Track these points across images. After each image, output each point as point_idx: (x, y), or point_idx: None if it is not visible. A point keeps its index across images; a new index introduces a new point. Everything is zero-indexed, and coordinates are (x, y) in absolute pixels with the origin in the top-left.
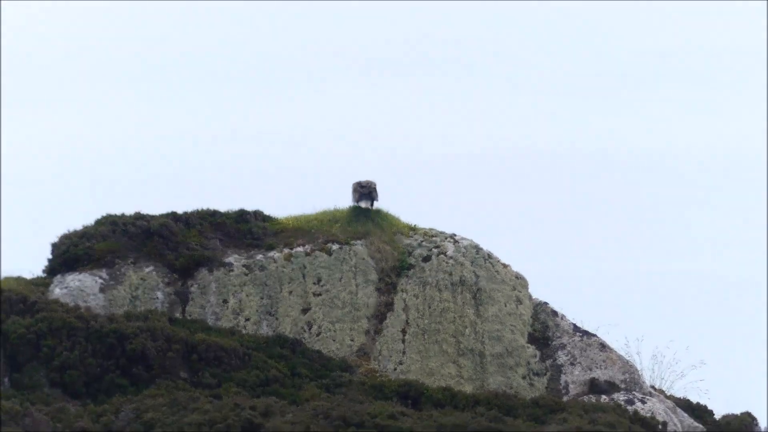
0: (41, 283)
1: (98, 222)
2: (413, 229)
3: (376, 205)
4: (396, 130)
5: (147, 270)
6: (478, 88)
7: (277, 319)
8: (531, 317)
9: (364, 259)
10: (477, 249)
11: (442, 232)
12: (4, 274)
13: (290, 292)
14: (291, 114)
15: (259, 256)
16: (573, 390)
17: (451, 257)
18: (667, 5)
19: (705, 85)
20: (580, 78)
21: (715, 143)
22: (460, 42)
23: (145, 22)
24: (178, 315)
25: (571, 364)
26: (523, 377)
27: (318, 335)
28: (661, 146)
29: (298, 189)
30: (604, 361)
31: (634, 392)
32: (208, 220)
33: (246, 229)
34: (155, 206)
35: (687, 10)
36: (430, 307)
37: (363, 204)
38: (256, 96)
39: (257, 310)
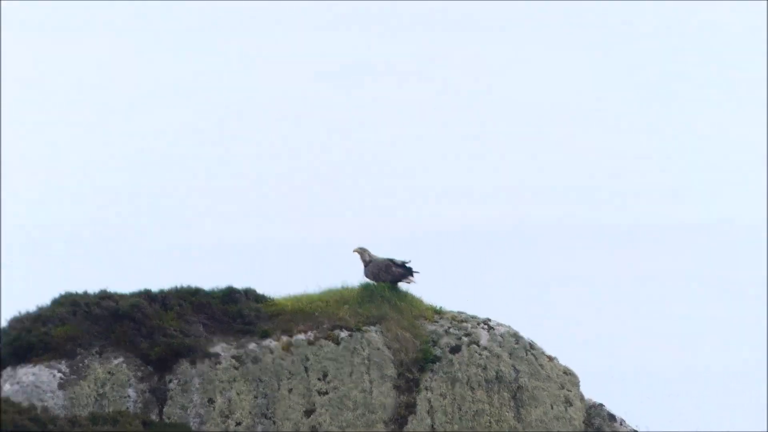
0: None
1: (56, 302)
2: (438, 312)
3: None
4: (414, 197)
5: (116, 362)
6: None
7: (274, 422)
8: (583, 422)
9: (379, 349)
10: (516, 337)
11: (473, 317)
12: None
13: (290, 390)
14: (286, 175)
15: (252, 345)
16: None
17: (485, 348)
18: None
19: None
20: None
21: None
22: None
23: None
24: (154, 417)
25: None
26: None
27: None
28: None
29: (297, 264)
30: None
31: None
32: (189, 300)
33: (235, 312)
34: (125, 283)
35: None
36: (460, 410)
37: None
38: (251, 148)
39: (250, 412)
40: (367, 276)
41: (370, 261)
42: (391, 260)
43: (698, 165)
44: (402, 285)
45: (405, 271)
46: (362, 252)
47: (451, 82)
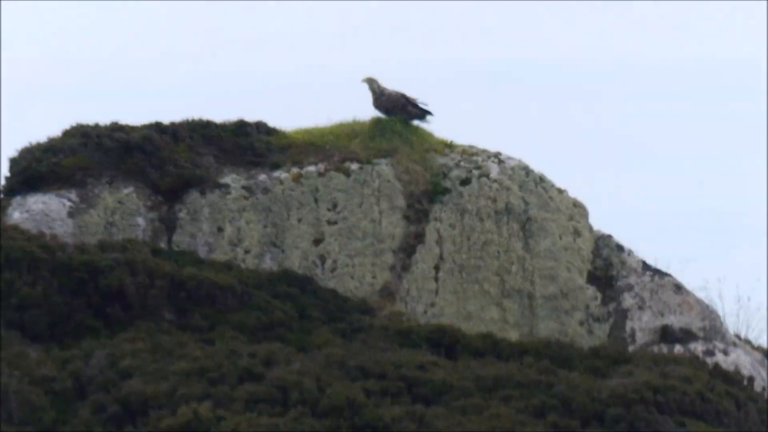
0: None
1: (67, 133)
2: (449, 146)
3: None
4: (430, 29)
5: (126, 191)
6: None
7: (283, 251)
8: (591, 252)
9: (389, 181)
10: (527, 170)
11: (484, 150)
12: None
13: (299, 220)
14: (301, 9)
15: (262, 176)
16: (641, 339)
17: (495, 180)
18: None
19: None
20: None
21: None
22: None
23: None
24: (162, 245)
25: (639, 308)
26: (581, 323)
27: (333, 271)
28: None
29: (309, 96)
30: (678, 305)
31: (714, 342)
32: (200, 133)
33: (246, 144)
34: (136, 115)
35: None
36: (469, 240)
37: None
38: None
39: (259, 241)
40: (377, 108)
41: (382, 94)
42: (406, 97)
43: None
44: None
45: (420, 113)
46: (371, 82)
47: None
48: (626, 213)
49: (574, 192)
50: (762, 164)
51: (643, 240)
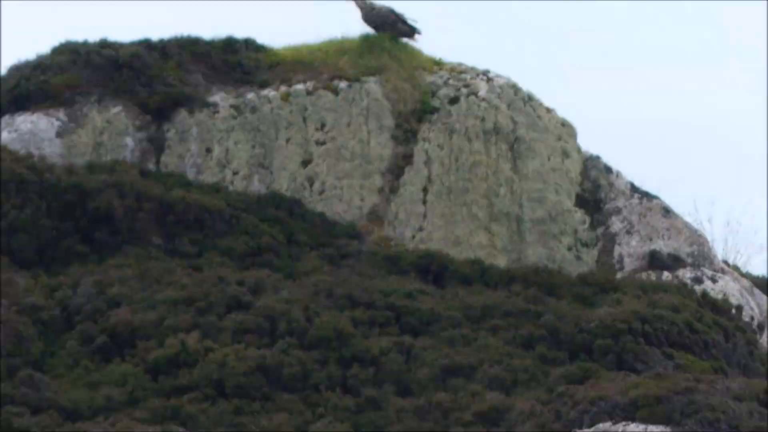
0: None
1: (55, 50)
2: (438, 63)
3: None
4: None
5: (114, 110)
6: None
7: (271, 173)
8: (580, 174)
9: (377, 100)
10: (515, 89)
11: (473, 68)
12: None
13: (288, 140)
14: None
15: (251, 95)
16: (629, 265)
17: (483, 99)
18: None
19: None
20: None
21: None
22: None
23: None
24: (151, 166)
25: (628, 232)
26: (569, 248)
27: (321, 194)
28: None
29: (297, 12)
30: (667, 230)
31: (703, 268)
32: (188, 50)
33: (235, 62)
34: (125, 32)
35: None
36: (457, 161)
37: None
38: None
39: (247, 162)
40: (366, 22)
41: (372, 8)
42: (395, 13)
43: None
44: None
45: (409, 29)
46: None
47: None
48: (618, 122)
49: (563, 111)
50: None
51: (633, 158)
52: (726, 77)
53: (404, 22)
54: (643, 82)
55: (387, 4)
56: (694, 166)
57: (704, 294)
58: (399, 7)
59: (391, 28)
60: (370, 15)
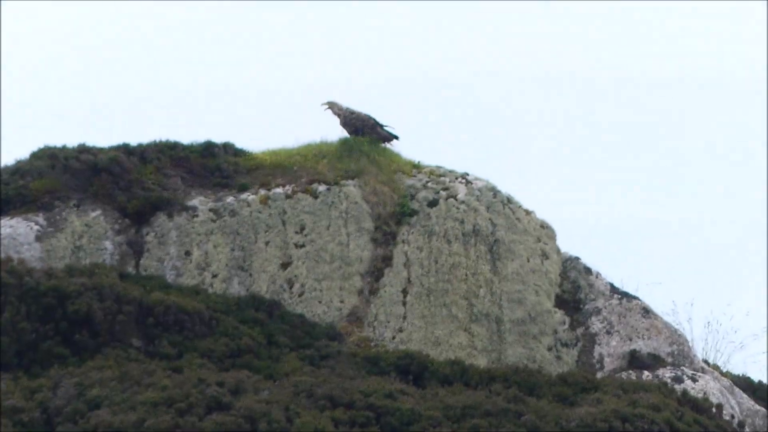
0: None
1: (34, 155)
2: (417, 167)
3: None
4: (394, 48)
5: (93, 215)
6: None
7: (251, 275)
8: (559, 275)
9: (357, 203)
10: (494, 192)
11: (451, 171)
12: None
13: (267, 243)
14: (267, 26)
15: (230, 199)
16: (609, 365)
17: (462, 202)
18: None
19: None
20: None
21: None
22: None
23: None
24: (130, 270)
25: (608, 333)
26: (549, 348)
27: (300, 296)
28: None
29: (276, 117)
30: (647, 330)
31: (683, 368)
32: (167, 154)
33: (213, 166)
34: (103, 137)
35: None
36: (437, 263)
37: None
38: (224, 5)
39: (227, 265)
40: (345, 127)
41: (351, 113)
42: (373, 119)
43: None
44: None
45: (388, 135)
46: (332, 105)
47: None
48: (596, 227)
49: (542, 213)
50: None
51: (612, 260)
52: (706, 179)
53: (382, 127)
54: (623, 181)
55: (365, 110)
56: (673, 267)
57: (684, 393)
58: (377, 114)
59: (372, 132)
60: (349, 120)
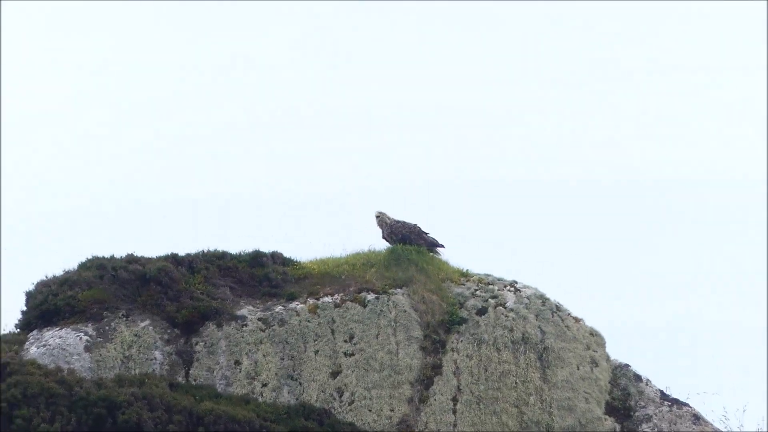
0: (14, 341)
1: (82, 266)
2: (465, 275)
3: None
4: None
5: (142, 324)
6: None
7: (300, 384)
8: (609, 383)
9: (405, 311)
10: (543, 299)
11: (500, 279)
12: None
13: (316, 352)
14: (312, 137)
15: (279, 308)
16: None
17: (511, 310)
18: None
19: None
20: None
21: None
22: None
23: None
24: (180, 379)
25: None
26: None
27: (351, 404)
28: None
29: (323, 227)
30: None
31: None
32: (215, 264)
33: (262, 275)
34: (151, 247)
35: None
36: (486, 370)
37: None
38: (272, 118)
39: (276, 374)
40: (390, 237)
41: (396, 223)
42: (419, 228)
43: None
44: None
45: (435, 242)
46: (382, 216)
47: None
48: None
49: (591, 320)
50: None
51: (662, 366)
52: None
53: (427, 235)
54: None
55: (411, 220)
56: (723, 372)
57: None
58: (423, 224)
59: (418, 237)
60: (396, 229)
